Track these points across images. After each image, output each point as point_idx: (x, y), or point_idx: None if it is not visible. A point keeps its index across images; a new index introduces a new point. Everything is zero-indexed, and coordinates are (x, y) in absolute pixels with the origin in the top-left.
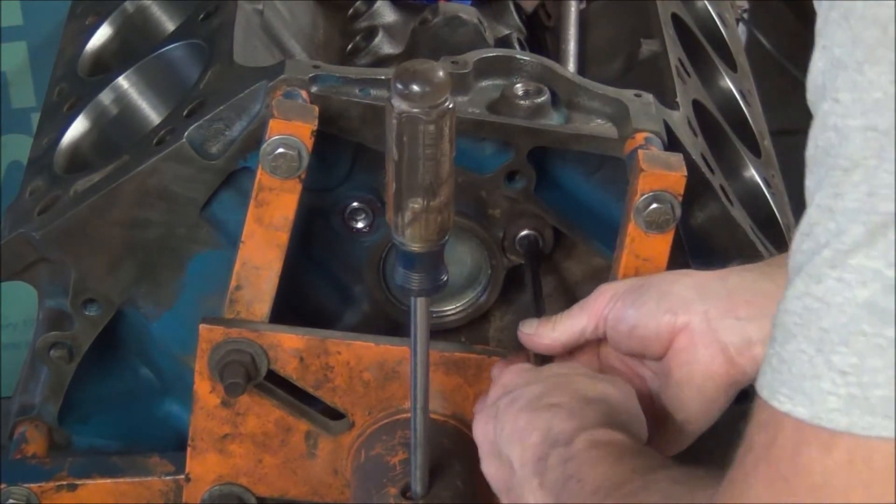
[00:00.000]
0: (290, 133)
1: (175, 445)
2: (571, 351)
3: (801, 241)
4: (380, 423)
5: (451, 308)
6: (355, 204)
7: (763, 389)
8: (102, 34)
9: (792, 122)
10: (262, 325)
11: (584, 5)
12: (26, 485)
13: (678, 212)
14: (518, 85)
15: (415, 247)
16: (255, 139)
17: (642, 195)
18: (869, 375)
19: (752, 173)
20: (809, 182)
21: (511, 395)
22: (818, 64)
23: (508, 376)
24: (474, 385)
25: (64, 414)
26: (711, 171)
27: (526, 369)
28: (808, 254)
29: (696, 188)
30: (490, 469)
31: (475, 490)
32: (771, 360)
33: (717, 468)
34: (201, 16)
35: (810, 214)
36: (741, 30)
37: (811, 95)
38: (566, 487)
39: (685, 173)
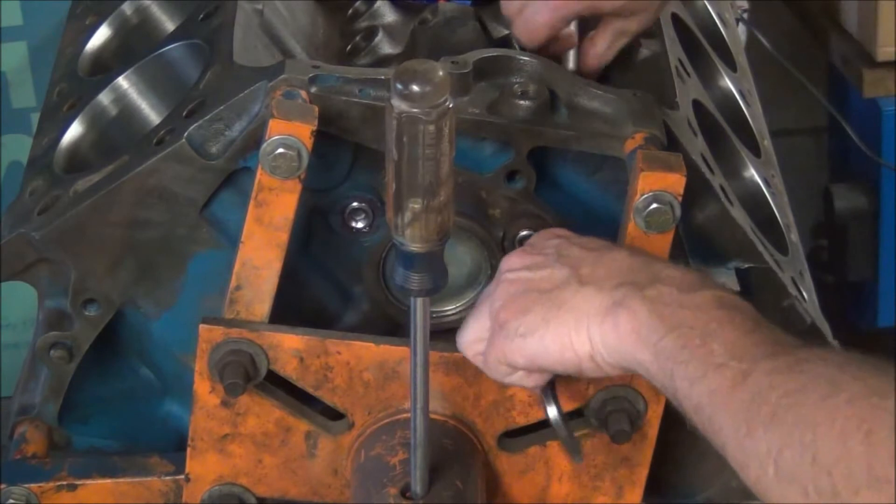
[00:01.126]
0: (290, 133)
1: (175, 445)
2: None
3: None
4: (380, 423)
5: (451, 308)
6: (355, 204)
7: None
8: (102, 34)
9: (792, 122)
10: (261, 325)
11: None
12: (26, 485)
13: (678, 212)
14: (518, 85)
15: (415, 247)
16: (255, 139)
17: (642, 195)
18: None
19: (752, 173)
20: None
21: (571, 238)
22: None
23: (562, 230)
24: (474, 385)
25: (64, 414)
26: (711, 171)
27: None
28: None
29: (696, 188)
30: (518, 261)
31: (475, 490)
32: None
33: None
34: (201, 16)
35: None
36: (741, 30)
37: None
38: (679, 333)
39: (685, 173)
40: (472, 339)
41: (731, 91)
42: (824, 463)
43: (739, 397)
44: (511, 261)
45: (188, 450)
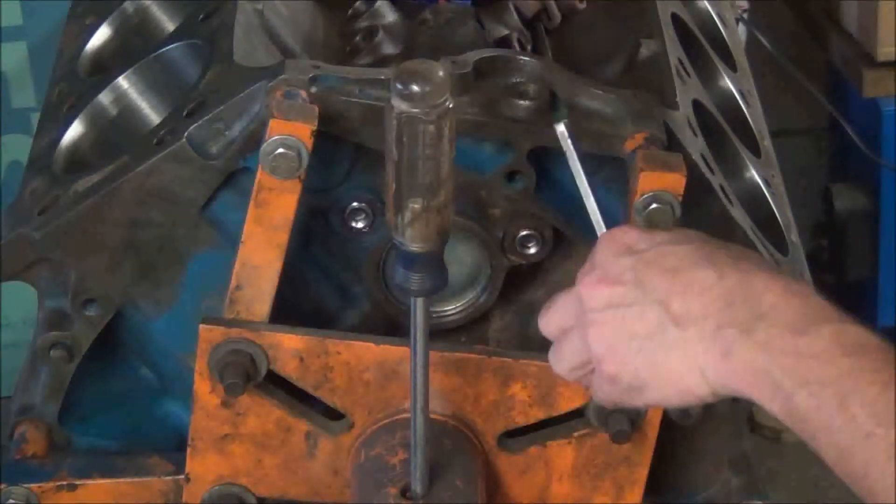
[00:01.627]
0: (290, 133)
1: (175, 445)
2: None
3: None
4: (380, 423)
5: (451, 308)
6: (355, 204)
7: None
8: (102, 34)
9: (792, 122)
10: (261, 325)
11: (584, 5)
12: (26, 485)
13: (678, 212)
14: (518, 85)
15: (415, 247)
16: (255, 139)
17: (642, 195)
18: None
19: (752, 173)
20: None
21: (645, 255)
22: None
23: (628, 236)
24: (474, 385)
25: (64, 414)
26: (711, 171)
27: (646, 231)
28: None
29: (696, 188)
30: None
31: (475, 490)
32: None
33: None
34: (201, 16)
35: None
36: (741, 30)
37: None
38: (810, 392)
39: (685, 173)
40: (571, 367)
41: (731, 91)
42: None
43: None
44: (591, 295)
45: (188, 450)
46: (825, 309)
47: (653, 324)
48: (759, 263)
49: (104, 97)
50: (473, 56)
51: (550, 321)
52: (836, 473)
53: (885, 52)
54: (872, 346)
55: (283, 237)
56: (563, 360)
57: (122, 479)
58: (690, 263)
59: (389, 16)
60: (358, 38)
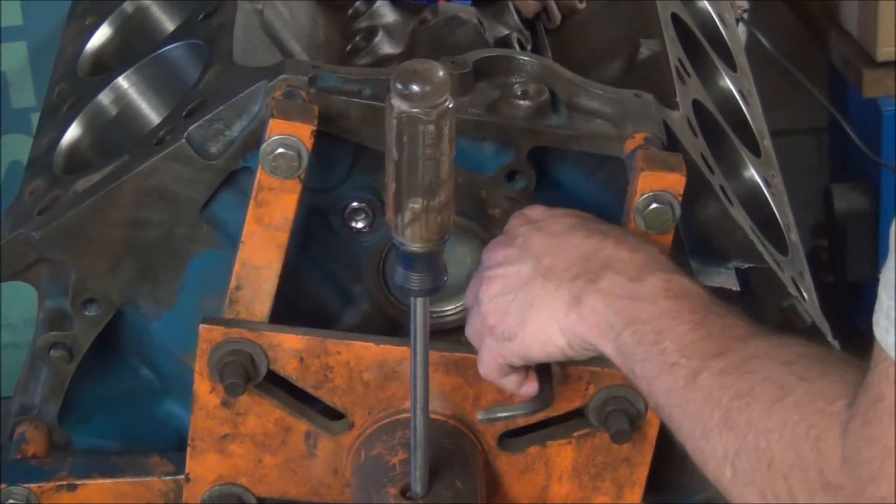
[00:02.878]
0: (290, 133)
1: (175, 445)
2: None
3: None
4: (380, 423)
5: (451, 308)
6: (355, 204)
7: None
8: (102, 34)
9: (792, 122)
10: (261, 325)
11: (584, 5)
12: (26, 485)
13: (678, 212)
14: (518, 85)
15: (415, 247)
16: (255, 139)
17: (642, 195)
18: None
19: (752, 173)
20: None
21: (538, 223)
22: None
23: (533, 211)
24: (474, 385)
25: (64, 414)
26: (711, 171)
27: (550, 208)
28: None
29: (696, 188)
30: (497, 270)
31: (475, 490)
32: None
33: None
34: (201, 16)
35: None
36: (741, 30)
37: None
38: (634, 329)
39: (685, 173)
40: (475, 330)
41: (731, 91)
42: (779, 469)
43: (693, 398)
44: (488, 255)
45: (188, 450)
46: (663, 262)
47: (525, 276)
48: (625, 232)
49: (104, 97)
50: (473, 56)
51: (468, 292)
52: (650, 405)
53: (884, 52)
54: (694, 293)
55: (283, 237)
56: (469, 325)
57: (122, 479)
58: (568, 229)
59: (389, 16)
60: (358, 38)
